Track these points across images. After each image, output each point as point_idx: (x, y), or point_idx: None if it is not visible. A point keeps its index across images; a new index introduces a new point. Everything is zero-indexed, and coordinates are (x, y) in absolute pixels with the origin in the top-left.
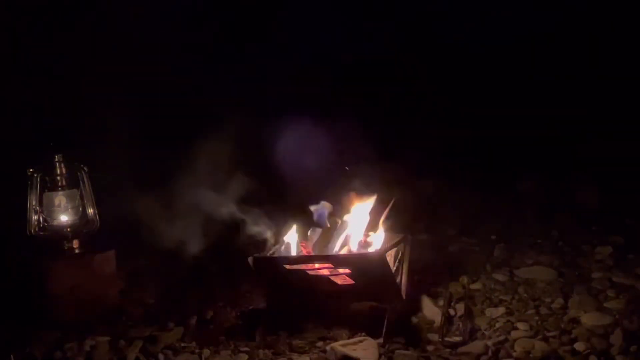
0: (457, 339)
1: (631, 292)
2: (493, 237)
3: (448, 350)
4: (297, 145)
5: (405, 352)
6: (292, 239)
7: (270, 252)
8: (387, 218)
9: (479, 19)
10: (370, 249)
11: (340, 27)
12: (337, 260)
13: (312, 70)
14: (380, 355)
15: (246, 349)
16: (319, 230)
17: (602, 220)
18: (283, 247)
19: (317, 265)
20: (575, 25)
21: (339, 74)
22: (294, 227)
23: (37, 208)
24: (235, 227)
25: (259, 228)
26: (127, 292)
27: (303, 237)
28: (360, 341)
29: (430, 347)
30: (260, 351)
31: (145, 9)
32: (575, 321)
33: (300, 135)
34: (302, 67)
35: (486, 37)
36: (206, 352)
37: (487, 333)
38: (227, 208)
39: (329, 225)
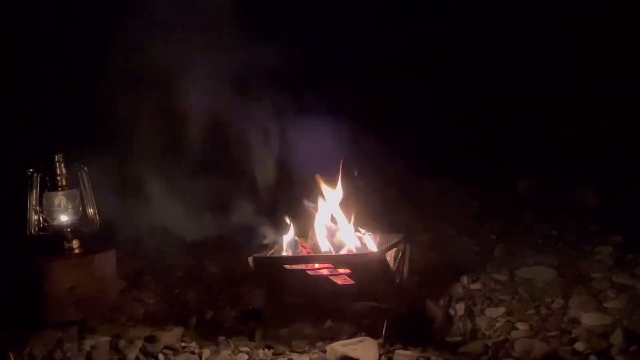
0: (457, 339)
1: (631, 292)
2: (493, 237)
3: (448, 350)
4: (297, 143)
5: (405, 352)
6: (291, 239)
7: (271, 252)
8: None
9: (478, 18)
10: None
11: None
12: (337, 261)
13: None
14: (380, 355)
15: (246, 349)
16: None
17: (602, 220)
18: (283, 247)
19: (317, 265)
20: (576, 23)
21: (338, 72)
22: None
23: (37, 208)
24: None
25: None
26: (127, 292)
27: (303, 237)
28: (360, 341)
29: (430, 347)
30: (260, 351)
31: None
32: (575, 321)
33: (299, 133)
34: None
35: (486, 36)
36: (206, 352)
37: (487, 333)
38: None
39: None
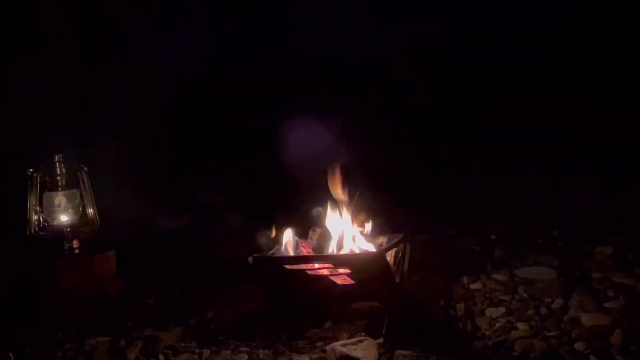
0: (457, 339)
1: (631, 292)
2: (493, 237)
3: (448, 350)
4: (295, 145)
5: (405, 352)
6: (291, 240)
7: (270, 252)
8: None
9: (478, 18)
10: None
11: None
12: (337, 260)
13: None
14: (380, 355)
15: (246, 349)
16: (319, 230)
17: (602, 220)
18: (283, 247)
19: (317, 265)
20: (576, 23)
21: (337, 72)
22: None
23: (37, 208)
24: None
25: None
26: (127, 292)
27: (303, 237)
28: (360, 341)
29: (430, 347)
30: (260, 351)
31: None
32: (575, 321)
33: (298, 135)
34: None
35: (486, 36)
36: (206, 352)
37: (487, 333)
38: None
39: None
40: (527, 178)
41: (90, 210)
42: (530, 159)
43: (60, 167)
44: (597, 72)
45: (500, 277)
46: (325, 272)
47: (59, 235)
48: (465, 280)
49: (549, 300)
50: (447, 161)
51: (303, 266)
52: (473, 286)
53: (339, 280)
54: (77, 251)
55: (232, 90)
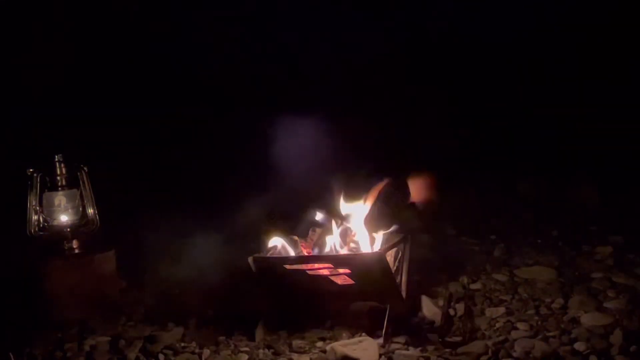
0: (457, 339)
1: (631, 292)
2: (493, 237)
3: (448, 350)
4: (298, 145)
5: (405, 352)
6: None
7: (270, 252)
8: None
9: (480, 15)
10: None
11: (342, 26)
12: (337, 260)
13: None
14: (380, 355)
15: (246, 349)
16: (319, 230)
17: (602, 220)
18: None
19: (317, 266)
20: (576, 23)
21: (335, 74)
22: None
23: (37, 208)
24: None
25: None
26: (127, 292)
27: (303, 237)
28: (360, 341)
29: (430, 347)
30: (260, 351)
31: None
32: (575, 321)
33: (299, 135)
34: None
35: (487, 35)
36: (206, 352)
37: (487, 333)
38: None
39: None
40: (527, 178)
41: (90, 210)
42: (531, 159)
43: (60, 167)
44: (597, 72)
45: (500, 277)
46: (325, 272)
47: (59, 235)
48: (465, 280)
49: (549, 300)
50: (447, 161)
51: (303, 266)
52: (473, 286)
53: (339, 280)
54: (77, 251)
55: None
